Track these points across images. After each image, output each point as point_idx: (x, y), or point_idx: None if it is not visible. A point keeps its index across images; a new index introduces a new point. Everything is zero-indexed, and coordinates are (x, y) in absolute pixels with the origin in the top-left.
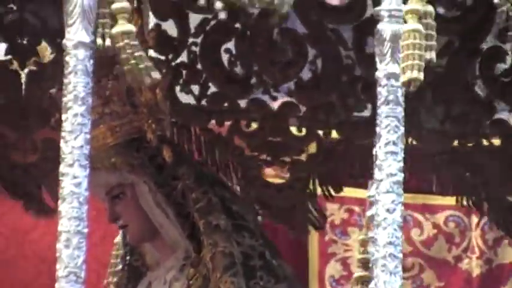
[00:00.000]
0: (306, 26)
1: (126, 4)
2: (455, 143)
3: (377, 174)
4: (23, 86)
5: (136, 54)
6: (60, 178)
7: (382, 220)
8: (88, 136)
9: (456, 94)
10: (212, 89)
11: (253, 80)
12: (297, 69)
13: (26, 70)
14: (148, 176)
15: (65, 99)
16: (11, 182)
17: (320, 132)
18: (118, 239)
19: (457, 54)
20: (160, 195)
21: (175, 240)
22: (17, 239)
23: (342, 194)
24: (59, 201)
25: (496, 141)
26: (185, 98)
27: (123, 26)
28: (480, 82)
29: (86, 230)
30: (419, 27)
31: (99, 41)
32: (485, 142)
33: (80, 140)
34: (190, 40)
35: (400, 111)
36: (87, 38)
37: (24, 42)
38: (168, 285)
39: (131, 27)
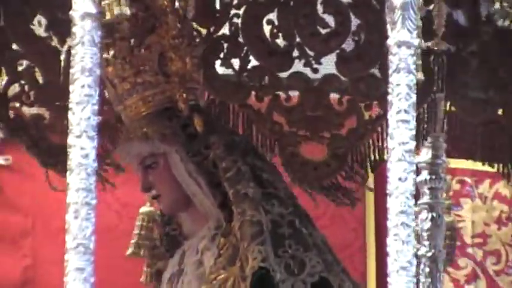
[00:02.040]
0: None
1: None
2: (500, 111)
3: (389, 142)
4: (62, 64)
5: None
6: (68, 150)
7: (394, 189)
8: (96, 107)
9: (501, 62)
10: (253, 62)
11: (295, 53)
12: (340, 40)
13: (65, 47)
14: (180, 145)
15: (72, 70)
16: (51, 162)
17: (361, 105)
18: (144, 209)
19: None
20: (192, 164)
21: (208, 210)
22: (128, 214)
23: (453, 165)
24: (67, 173)
25: None
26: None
27: None
28: None
29: (94, 202)
30: None
31: None
32: None
33: (87, 111)
34: (232, 12)
35: (411, 79)
36: (93, 9)
37: (64, 17)
38: (200, 255)
39: None
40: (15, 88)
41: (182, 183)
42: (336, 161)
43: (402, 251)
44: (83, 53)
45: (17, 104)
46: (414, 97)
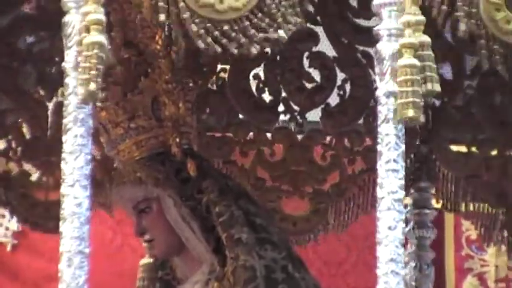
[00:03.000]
0: (336, 48)
1: (100, 16)
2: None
3: (378, 192)
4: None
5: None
6: (61, 199)
7: (384, 238)
8: (89, 157)
9: (484, 117)
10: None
11: (281, 107)
12: (325, 95)
13: (53, 100)
14: (174, 189)
15: (64, 121)
16: (32, 220)
17: (345, 160)
18: (144, 261)
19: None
20: (186, 208)
21: (201, 254)
22: None
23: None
24: (60, 222)
25: None
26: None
27: (95, 36)
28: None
29: (87, 250)
30: (414, 61)
31: None
32: None
33: (80, 160)
34: (219, 67)
35: (400, 128)
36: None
37: (53, 71)
38: None
39: (102, 39)
40: (2, 144)
41: (175, 227)
42: (316, 216)
43: None
44: (76, 103)
45: (4, 160)
46: (403, 147)
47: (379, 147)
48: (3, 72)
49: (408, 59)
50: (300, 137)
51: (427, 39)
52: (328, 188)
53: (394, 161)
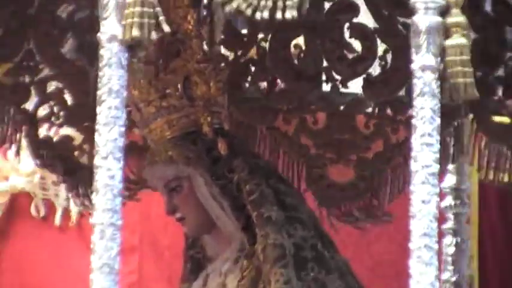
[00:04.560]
0: (376, 20)
1: None
2: None
3: (413, 165)
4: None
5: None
6: (95, 171)
7: (418, 211)
8: (122, 129)
9: None
10: (280, 85)
11: (322, 77)
12: (367, 65)
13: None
14: (205, 168)
15: (99, 92)
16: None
17: (388, 129)
18: None
19: None
20: (216, 187)
21: (232, 233)
22: None
23: None
24: (93, 194)
25: None
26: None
27: None
28: None
29: (119, 222)
30: (465, 41)
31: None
32: None
33: (114, 132)
34: (260, 36)
35: (435, 103)
36: (120, 32)
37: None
38: (224, 277)
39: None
40: (44, 109)
41: (206, 206)
42: (363, 182)
43: (425, 272)
44: (110, 75)
45: (47, 125)
46: (438, 120)
47: (413, 121)
48: (44, 40)
49: (458, 38)
50: (342, 105)
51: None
52: (372, 156)
53: (429, 134)
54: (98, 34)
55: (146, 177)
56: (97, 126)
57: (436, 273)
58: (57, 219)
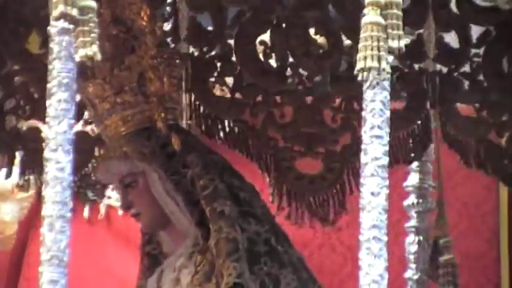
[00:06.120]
0: (342, 16)
1: None
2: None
3: (362, 157)
4: None
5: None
6: (44, 163)
7: (367, 203)
8: (72, 121)
9: (492, 83)
10: (247, 81)
11: (288, 72)
12: (333, 61)
13: None
14: (159, 164)
15: (49, 85)
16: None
17: (355, 123)
18: None
19: (494, 44)
20: (170, 183)
21: (186, 228)
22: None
23: None
24: (43, 186)
25: None
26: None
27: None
28: None
29: (69, 214)
30: (378, 19)
31: None
32: None
33: (63, 125)
34: (226, 32)
35: (385, 95)
36: (70, 25)
37: None
38: (177, 272)
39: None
40: (11, 102)
41: (160, 201)
42: (332, 174)
43: (374, 264)
44: (60, 68)
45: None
46: (388, 113)
47: (363, 113)
48: (11, 37)
49: (372, 16)
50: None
51: None
52: (340, 148)
53: (379, 127)
54: (48, 27)
55: (101, 172)
56: (47, 119)
57: (386, 265)
58: (86, 212)
